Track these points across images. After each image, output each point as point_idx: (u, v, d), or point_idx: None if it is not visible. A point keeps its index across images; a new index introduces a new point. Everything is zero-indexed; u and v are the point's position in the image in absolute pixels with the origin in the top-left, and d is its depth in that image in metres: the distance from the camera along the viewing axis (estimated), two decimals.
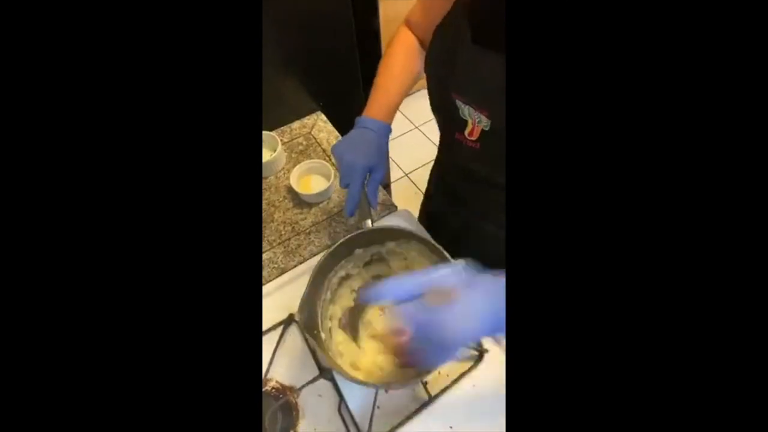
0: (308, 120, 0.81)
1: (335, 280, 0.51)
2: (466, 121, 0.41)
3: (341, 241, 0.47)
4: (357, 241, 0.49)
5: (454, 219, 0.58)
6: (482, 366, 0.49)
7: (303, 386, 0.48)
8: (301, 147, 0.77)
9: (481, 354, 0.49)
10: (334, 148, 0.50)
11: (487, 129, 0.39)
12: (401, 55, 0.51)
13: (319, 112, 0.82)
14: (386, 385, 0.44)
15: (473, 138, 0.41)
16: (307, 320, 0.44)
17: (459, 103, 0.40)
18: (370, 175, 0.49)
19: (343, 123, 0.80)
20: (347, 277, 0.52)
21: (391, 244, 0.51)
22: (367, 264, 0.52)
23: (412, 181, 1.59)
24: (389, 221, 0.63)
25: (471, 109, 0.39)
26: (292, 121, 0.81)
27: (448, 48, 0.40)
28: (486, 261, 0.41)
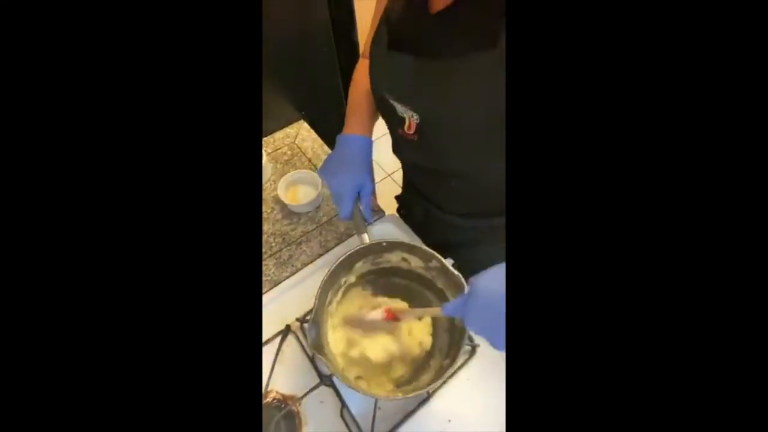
0: (291, 129, 0.82)
1: (339, 293, 0.52)
2: (403, 118, 0.45)
3: (341, 260, 0.48)
4: (355, 257, 0.51)
5: (417, 210, 0.63)
6: (475, 360, 0.52)
7: (304, 394, 0.49)
8: (285, 157, 0.77)
9: (473, 348, 0.52)
10: (321, 172, 0.52)
11: (419, 123, 0.43)
12: (364, 77, 0.54)
13: (301, 121, 0.82)
14: (392, 397, 0.45)
15: (411, 132, 0.45)
16: (315, 340, 0.45)
17: (393, 102, 0.45)
18: (360, 193, 0.51)
19: (326, 131, 0.81)
20: (347, 287, 0.54)
21: (388, 256, 0.52)
22: (364, 275, 0.54)
23: (394, 180, 1.62)
24: (380, 227, 0.65)
25: (402, 107, 0.44)
26: (275, 130, 0.81)
27: (377, 54, 0.46)
28: (448, 246, 0.51)
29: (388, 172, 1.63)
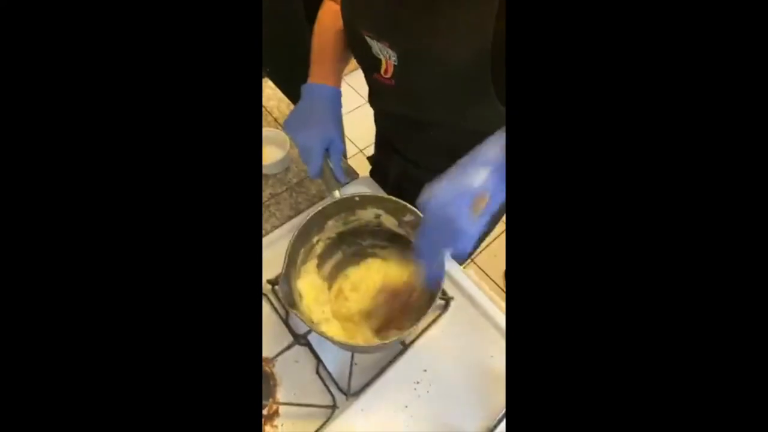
0: None
1: (311, 252, 0.50)
2: (379, 60, 0.42)
3: (311, 215, 0.46)
4: (327, 213, 0.49)
5: (393, 169, 0.61)
6: (448, 313, 0.53)
7: (277, 355, 0.48)
8: None
9: (447, 302, 0.53)
10: (286, 125, 0.48)
11: (396, 64, 0.41)
12: (330, 22, 0.51)
13: (265, 79, 0.77)
14: (372, 347, 0.45)
15: (388, 75, 0.43)
16: (288, 296, 0.43)
17: (369, 40, 0.42)
18: (329, 149, 0.48)
19: (293, 89, 0.76)
20: (319, 243, 0.52)
21: (361, 212, 0.51)
22: (336, 235, 0.52)
23: (366, 156, 1.59)
24: (353, 189, 0.63)
25: (379, 45, 0.41)
26: None
27: None
28: None
29: (359, 147, 1.60)
